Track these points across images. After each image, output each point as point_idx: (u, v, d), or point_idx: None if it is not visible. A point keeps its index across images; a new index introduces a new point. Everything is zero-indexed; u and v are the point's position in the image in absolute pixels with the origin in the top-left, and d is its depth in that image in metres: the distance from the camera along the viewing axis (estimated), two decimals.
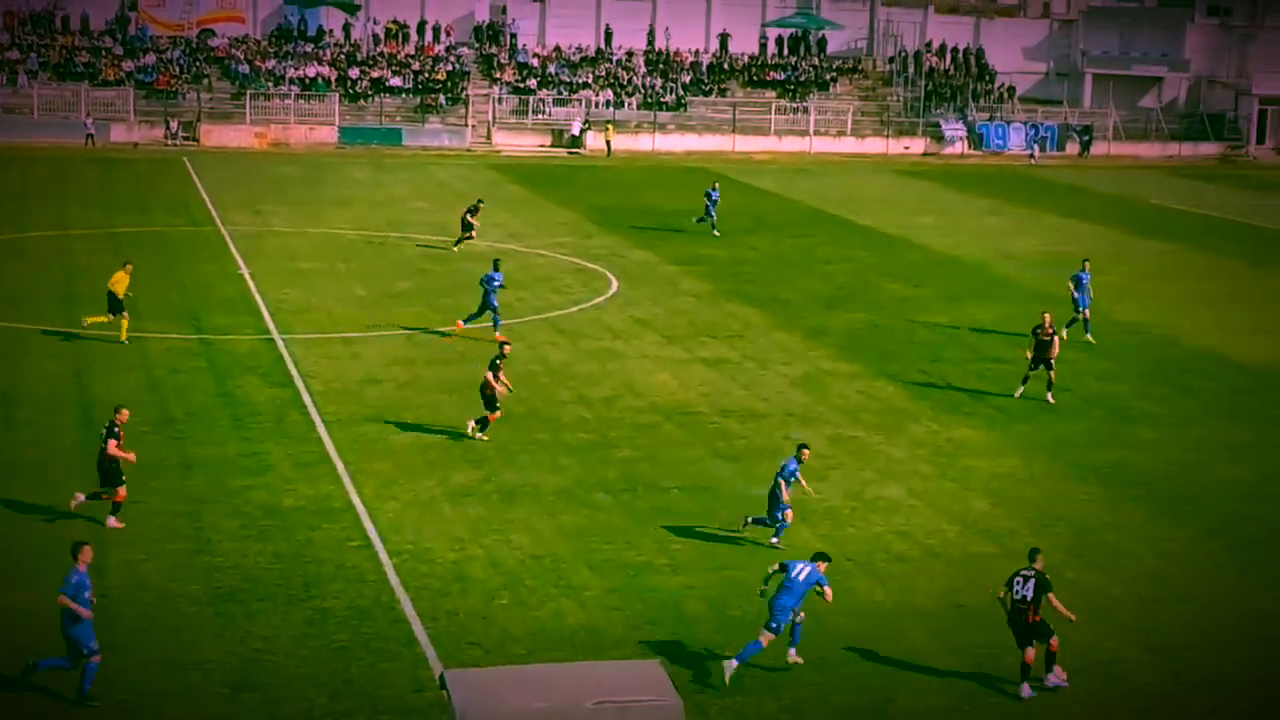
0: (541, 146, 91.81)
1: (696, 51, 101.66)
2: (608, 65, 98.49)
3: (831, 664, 22.23)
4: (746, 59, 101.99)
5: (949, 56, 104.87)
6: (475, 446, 31.67)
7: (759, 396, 36.76)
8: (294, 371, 37.19)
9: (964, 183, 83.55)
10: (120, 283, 38.87)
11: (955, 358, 41.42)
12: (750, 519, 27.14)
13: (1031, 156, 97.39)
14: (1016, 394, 36.69)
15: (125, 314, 38.84)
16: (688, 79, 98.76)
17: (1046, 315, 37.11)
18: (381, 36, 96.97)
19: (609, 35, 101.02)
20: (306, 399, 34.85)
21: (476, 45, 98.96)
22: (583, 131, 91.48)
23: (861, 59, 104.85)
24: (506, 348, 33.81)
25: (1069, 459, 32.62)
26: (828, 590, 22.22)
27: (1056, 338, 36.90)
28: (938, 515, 28.75)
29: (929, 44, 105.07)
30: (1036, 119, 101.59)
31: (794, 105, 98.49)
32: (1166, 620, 24.23)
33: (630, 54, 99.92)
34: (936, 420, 35.20)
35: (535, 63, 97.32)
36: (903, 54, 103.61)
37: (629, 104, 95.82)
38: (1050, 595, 21.54)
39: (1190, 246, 62.90)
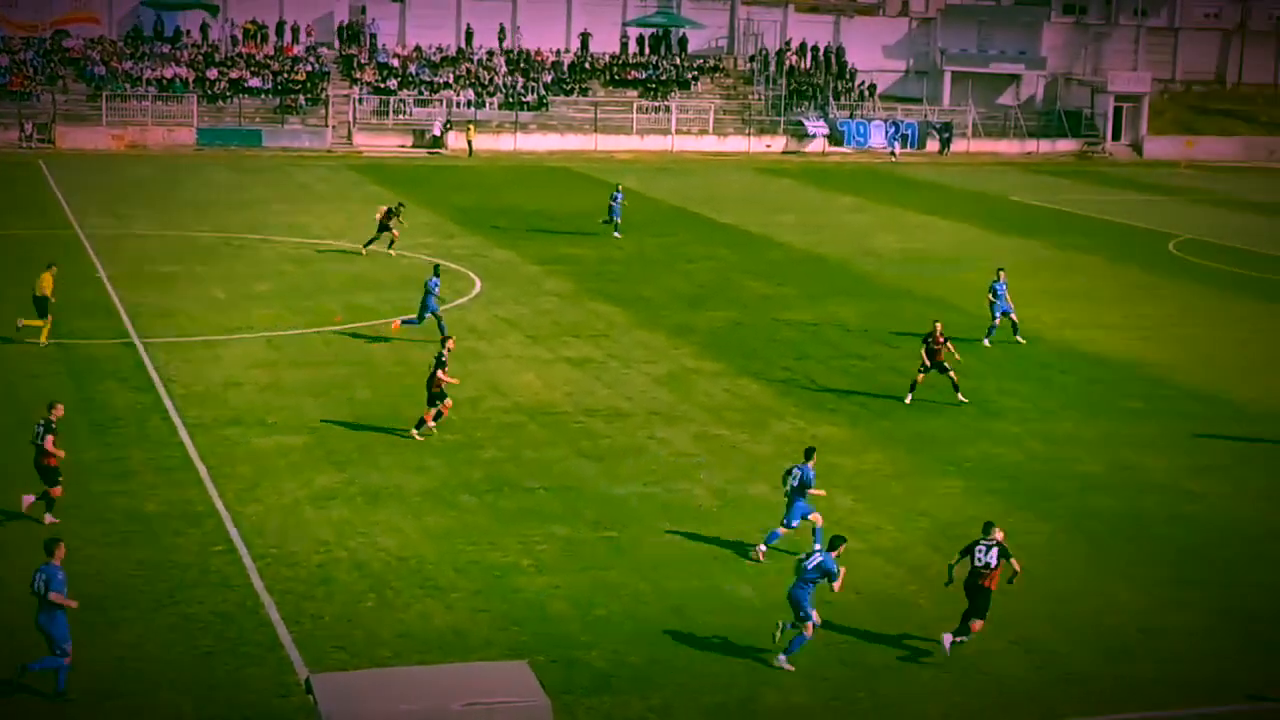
0: (402, 147, 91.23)
1: (558, 51, 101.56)
2: (468, 65, 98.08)
3: (699, 662, 22.22)
4: (608, 58, 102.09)
5: (809, 55, 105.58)
6: (337, 448, 31.34)
7: (623, 395, 36.72)
8: (154, 375, 36.64)
9: (825, 181, 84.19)
10: (46, 284, 39.11)
11: (818, 355, 41.66)
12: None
13: (892, 154, 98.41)
14: (907, 400, 36.78)
15: (49, 317, 39.01)
16: (549, 78, 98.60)
17: (937, 324, 37.29)
18: (240, 37, 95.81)
19: (469, 35, 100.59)
20: (167, 403, 34.33)
21: (336, 46, 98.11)
22: (444, 132, 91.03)
23: (722, 58, 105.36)
24: (450, 343, 33.86)
25: (931, 454, 32.91)
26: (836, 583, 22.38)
27: (946, 345, 36.94)
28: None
29: (789, 43, 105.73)
30: (897, 116, 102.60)
31: (656, 104, 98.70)
32: (1028, 611, 24.47)
33: (491, 54, 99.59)
34: (801, 417, 35.37)
35: (395, 63, 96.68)
36: (763, 53, 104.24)
37: (490, 104, 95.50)
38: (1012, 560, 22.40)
39: (1049, 243, 63.79)
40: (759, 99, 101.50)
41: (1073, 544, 27.82)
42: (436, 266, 43.35)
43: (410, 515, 27.77)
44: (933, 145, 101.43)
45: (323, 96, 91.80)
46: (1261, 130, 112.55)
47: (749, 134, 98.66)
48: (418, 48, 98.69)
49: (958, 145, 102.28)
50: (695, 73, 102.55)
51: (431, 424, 32.61)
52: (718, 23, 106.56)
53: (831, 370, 39.93)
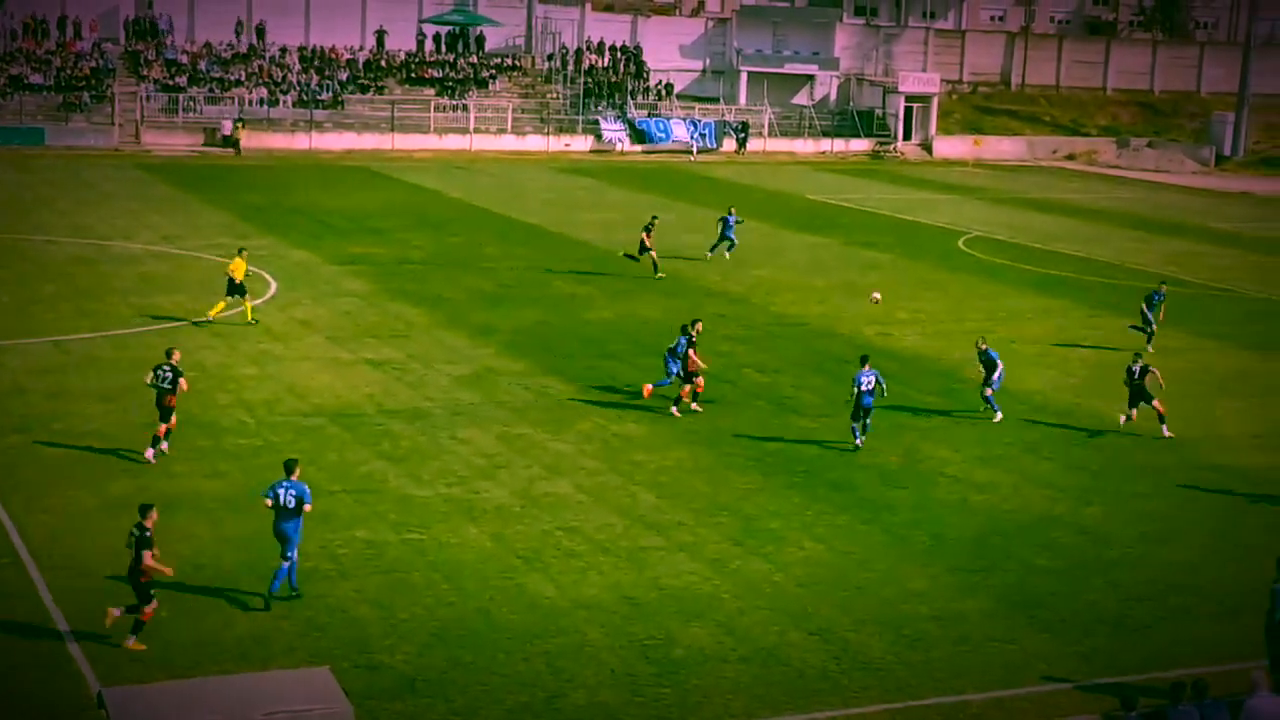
0: (193, 146, 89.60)
1: (353, 49, 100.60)
2: (261, 63, 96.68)
3: (502, 663, 22.15)
4: (404, 56, 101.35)
5: (607, 54, 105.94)
6: (128, 456, 30.67)
7: (424, 396, 36.49)
8: None
9: (626, 179, 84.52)
10: (239, 269, 42.67)
11: (621, 353, 41.80)
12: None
13: (691, 153, 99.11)
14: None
15: (247, 295, 42.92)
16: (344, 76, 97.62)
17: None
18: (19, 32, 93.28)
19: (261, 32, 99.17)
20: None
21: (122, 41, 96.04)
22: (236, 130, 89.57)
23: (520, 57, 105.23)
24: (699, 325, 36.56)
25: (732, 449, 33.20)
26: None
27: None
28: (606, 510, 28.94)
29: (588, 41, 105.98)
30: (695, 116, 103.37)
31: (453, 103, 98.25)
32: (826, 603, 24.82)
33: (284, 50, 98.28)
34: (603, 415, 35.45)
35: (185, 60, 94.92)
36: (562, 51, 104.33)
37: (284, 101, 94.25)
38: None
39: (843, 240, 64.76)
40: (558, 98, 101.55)
41: (870, 534, 28.26)
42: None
43: (207, 522, 27.27)
44: (730, 144, 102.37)
45: (109, 94, 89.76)
46: (1045, 130, 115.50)
47: (548, 133, 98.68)
48: (208, 44, 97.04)
49: (754, 144, 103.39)
50: (493, 71, 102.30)
51: (692, 404, 35.54)
52: (515, 21, 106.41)
53: (634, 368, 40.07)
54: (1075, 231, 71.23)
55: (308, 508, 24.06)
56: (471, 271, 53.17)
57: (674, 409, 35.63)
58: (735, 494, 30.20)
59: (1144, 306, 44.94)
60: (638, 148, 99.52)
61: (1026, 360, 42.43)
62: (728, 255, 57.08)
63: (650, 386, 36.60)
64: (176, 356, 30.79)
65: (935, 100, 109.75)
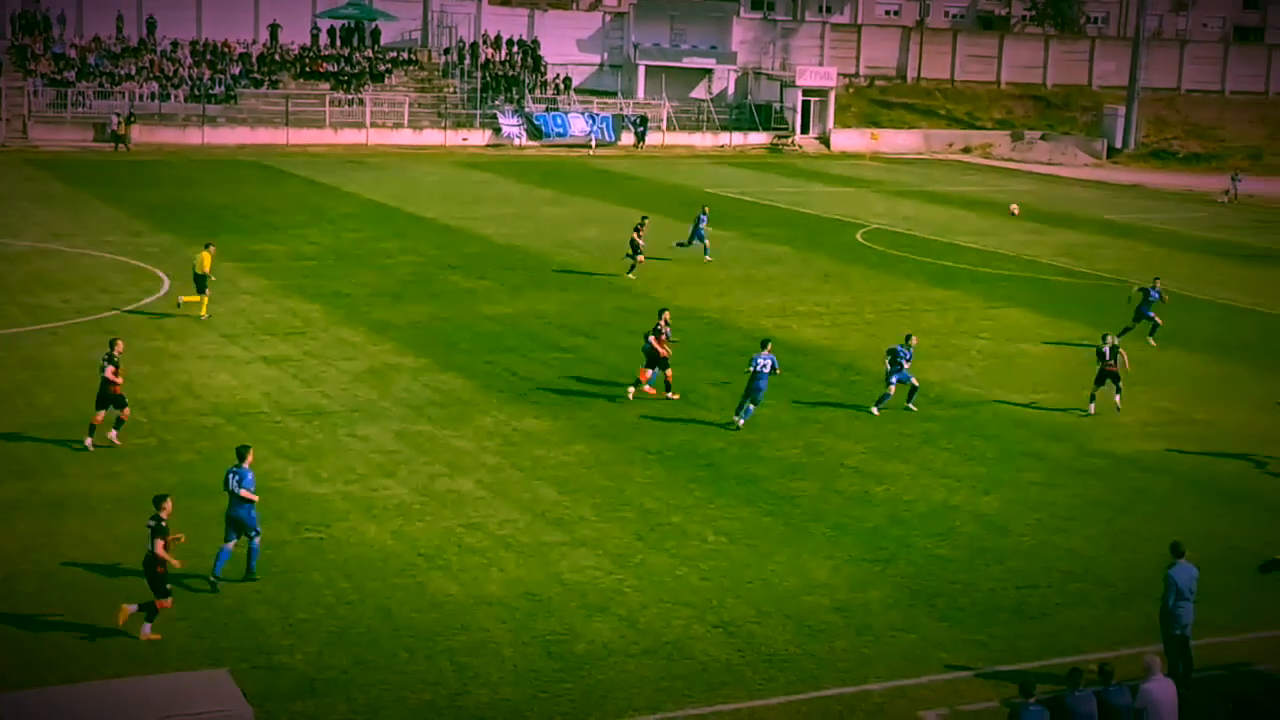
0: (83, 141, 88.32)
1: (246, 42, 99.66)
2: (151, 57, 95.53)
3: (404, 662, 22.00)
4: (298, 50, 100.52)
5: (504, 48, 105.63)
6: (18, 457, 30.21)
7: (322, 393, 36.19)
8: None
9: (523, 174, 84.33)
10: (205, 262, 43.22)
11: (520, 348, 41.66)
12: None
13: (589, 147, 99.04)
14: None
15: (208, 292, 43.33)
16: (237, 70, 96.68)
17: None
18: None
19: (151, 25, 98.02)
20: None
21: (8, 35, 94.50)
22: (127, 125, 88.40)
23: (417, 50, 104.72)
24: (666, 314, 37.62)
25: (634, 443, 33.18)
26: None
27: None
28: (508, 505, 28.83)
29: (485, 35, 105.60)
30: (593, 110, 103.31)
31: (349, 97, 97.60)
32: (730, 596, 24.86)
33: (175, 44, 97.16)
34: (503, 410, 35.33)
35: (73, 54, 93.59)
36: (459, 45, 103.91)
37: (176, 96, 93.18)
38: None
39: (742, 233, 64.94)
40: (455, 92, 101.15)
41: (772, 527, 28.34)
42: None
43: (100, 524, 26.87)
44: (628, 138, 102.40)
45: None
46: (941, 123, 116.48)
47: (445, 127, 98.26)
48: (96, 38, 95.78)
49: (653, 138, 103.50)
50: (389, 65, 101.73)
51: (667, 393, 36.44)
52: (411, 15, 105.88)
53: (533, 362, 39.97)
54: (971, 224, 71.85)
55: (243, 493, 24.50)
56: (369, 267, 52.82)
57: (630, 390, 36.48)
58: (637, 488, 30.18)
59: (1139, 305, 44.92)
60: (535, 142, 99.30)
61: (924, 352, 42.67)
62: (707, 257, 56.46)
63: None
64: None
65: (832, 94, 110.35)
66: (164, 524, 22.50)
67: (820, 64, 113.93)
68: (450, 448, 32.39)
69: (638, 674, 21.91)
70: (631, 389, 36.66)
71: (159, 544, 22.31)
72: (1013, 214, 42.15)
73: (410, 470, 30.72)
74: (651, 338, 36.56)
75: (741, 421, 34.31)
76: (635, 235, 52.63)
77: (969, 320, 47.78)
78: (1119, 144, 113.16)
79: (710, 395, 37.44)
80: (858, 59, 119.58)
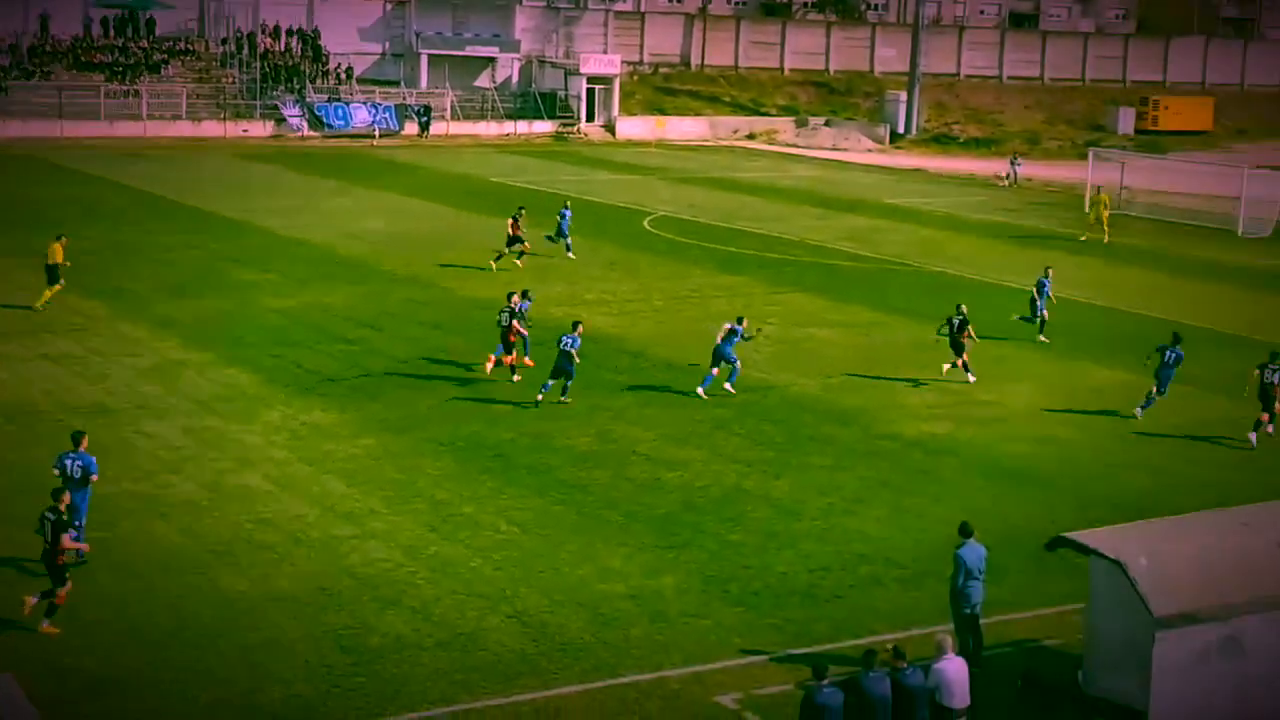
0: None
1: (16, 33, 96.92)
2: None
3: (197, 660, 21.62)
4: (70, 41, 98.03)
5: (283, 38, 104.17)
6: None
7: (106, 391, 35.40)
8: None
9: (306, 165, 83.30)
10: (57, 253, 43.33)
11: (306, 340, 41.18)
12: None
13: (373, 137, 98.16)
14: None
15: (60, 283, 43.31)
16: (7, 62, 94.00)
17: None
18: None
19: None
20: None
21: None
22: None
23: (194, 40, 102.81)
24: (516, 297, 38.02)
25: (424, 435, 32.98)
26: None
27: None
28: (297, 500, 28.49)
29: (263, 25, 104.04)
30: (375, 99, 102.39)
31: (125, 88, 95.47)
32: (523, 586, 24.83)
33: None
34: (290, 404, 34.89)
35: None
36: (237, 35, 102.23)
37: None
38: None
39: (530, 222, 64.74)
40: (234, 83, 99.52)
41: (565, 516, 28.37)
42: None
43: None
44: (412, 128, 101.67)
45: None
46: (725, 110, 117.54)
47: (225, 119, 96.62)
48: None
49: (437, 128, 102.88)
50: (165, 56, 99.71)
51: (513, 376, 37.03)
52: (187, 4, 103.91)
53: (319, 355, 39.54)
54: (757, 210, 72.64)
55: (94, 478, 24.96)
56: (150, 262, 51.76)
57: (515, 377, 37.07)
58: (429, 480, 30.01)
59: (1034, 293, 45.12)
60: (318, 133, 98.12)
61: (714, 337, 43.08)
62: (570, 254, 55.88)
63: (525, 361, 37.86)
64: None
65: (617, 81, 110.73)
66: (64, 517, 22.68)
67: (604, 51, 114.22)
68: (238, 443, 31.90)
69: (432, 666, 21.79)
70: (517, 376, 37.23)
71: (65, 538, 22.50)
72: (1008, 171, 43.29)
73: (198, 466, 30.19)
74: (515, 321, 37.17)
75: (541, 396, 35.17)
76: (512, 227, 52.70)
77: (756, 305, 48.25)
78: (901, 129, 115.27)
79: (500, 386, 37.34)
80: (641, 46, 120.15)
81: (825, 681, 18.63)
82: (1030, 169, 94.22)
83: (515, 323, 37.25)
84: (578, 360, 35.47)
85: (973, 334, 39.13)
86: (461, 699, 20.89)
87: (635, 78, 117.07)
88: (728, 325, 37.36)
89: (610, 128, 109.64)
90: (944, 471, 32.15)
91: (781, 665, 22.30)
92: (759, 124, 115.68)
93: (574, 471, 31.00)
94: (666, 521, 28.32)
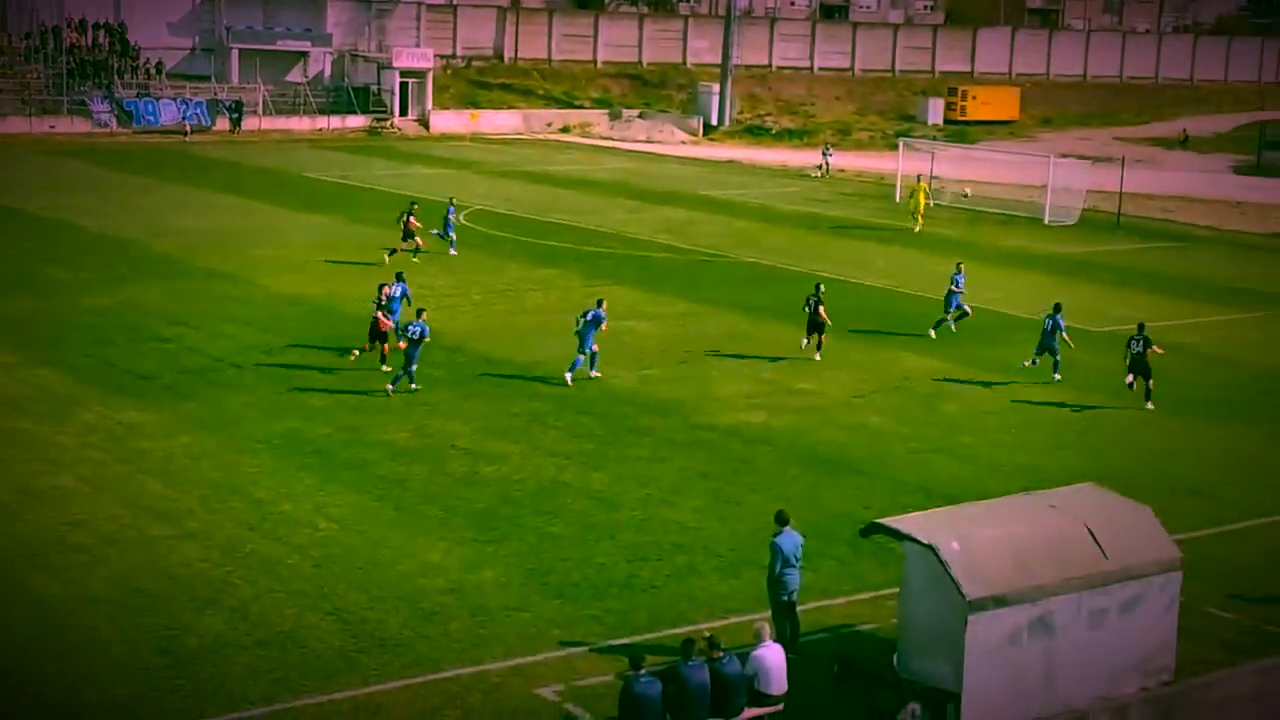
0: None
1: None
2: None
3: (6, 664, 21.23)
4: None
5: (90, 32, 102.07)
6: None
7: None
8: None
9: (117, 161, 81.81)
10: None
11: (120, 339, 40.52)
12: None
13: (184, 133, 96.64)
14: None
15: None
16: None
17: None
18: None
19: None
20: None
21: None
22: None
23: None
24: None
25: (241, 433, 32.64)
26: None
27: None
28: (112, 501, 28.05)
29: (68, 19, 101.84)
30: (186, 95, 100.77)
31: None
32: (342, 583, 24.72)
33: None
34: (105, 404, 34.32)
35: None
36: (41, 28, 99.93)
37: None
38: None
39: (344, 218, 64.34)
40: (39, 78, 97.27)
41: (383, 511, 28.27)
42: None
43: None
44: (224, 123, 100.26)
45: None
46: (540, 103, 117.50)
47: (31, 115, 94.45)
48: None
49: (250, 123, 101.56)
50: None
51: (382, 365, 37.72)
52: None
53: (134, 354, 38.93)
54: (573, 203, 72.78)
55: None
56: None
57: (384, 366, 37.85)
58: (245, 478, 29.72)
59: (950, 289, 45.50)
60: (128, 129, 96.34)
61: (530, 331, 43.20)
62: (452, 251, 55.79)
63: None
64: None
65: (430, 75, 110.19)
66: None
67: (417, 45, 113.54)
68: (51, 444, 31.33)
69: (251, 666, 21.61)
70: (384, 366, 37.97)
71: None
72: (965, 195, 44.63)
73: (9, 469, 29.59)
74: (379, 313, 38.12)
75: (391, 388, 35.96)
76: (408, 220, 53.24)
77: (573, 298, 48.37)
78: (715, 121, 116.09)
79: (316, 382, 37.07)
80: (455, 40, 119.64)
81: (642, 671, 18.82)
82: (842, 160, 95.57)
83: (380, 314, 38.12)
84: (427, 340, 36.19)
85: (825, 316, 40.81)
86: (281, 698, 20.75)
87: (449, 71, 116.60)
88: (590, 312, 37.79)
89: (424, 122, 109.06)
90: (760, 461, 32.55)
91: (601, 656, 22.46)
92: (573, 117, 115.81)
93: (392, 466, 30.90)
94: (485, 515, 28.35)
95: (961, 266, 46.40)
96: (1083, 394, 39.02)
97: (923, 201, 67.89)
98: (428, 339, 36.23)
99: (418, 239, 53.46)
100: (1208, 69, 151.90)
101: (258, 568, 25.12)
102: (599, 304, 38.19)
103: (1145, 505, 23.43)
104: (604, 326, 38.00)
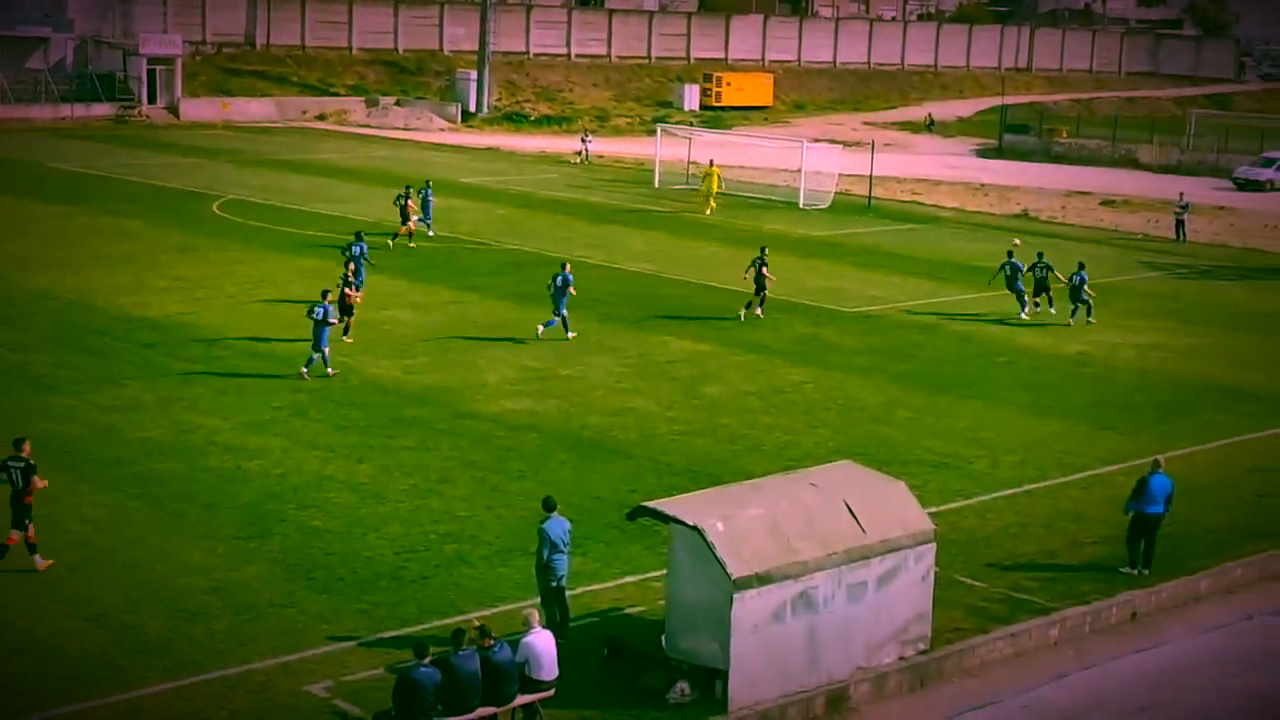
0: None
1: None
2: None
3: None
4: None
5: None
6: None
7: None
8: None
9: None
10: None
11: None
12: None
13: None
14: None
15: None
16: None
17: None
18: None
19: None
20: None
21: None
22: None
23: None
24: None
25: None
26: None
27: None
28: None
29: None
30: None
31: None
32: (101, 586, 24.09)
33: None
34: None
35: None
36: None
37: None
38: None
39: (92, 209, 62.72)
40: None
41: (140, 511, 27.64)
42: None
43: None
44: None
45: None
46: (294, 91, 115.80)
47: None
48: None
49: None
50: None
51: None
52: None
53: None
54: (332, 191, 71.87)
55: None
56: None
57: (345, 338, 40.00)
58: None
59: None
60: None
61: (291, 322, 42.56)
62: (430, 233, 58.57)
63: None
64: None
65: (179, 62, 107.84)
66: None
67: (164, 31, 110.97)
68: None
69: (8, 675, 20.96)
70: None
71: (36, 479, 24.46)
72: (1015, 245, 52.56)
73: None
74: (347, 289, 40.45)
75: (306, 371, 36.92)
76: (406, 203, 56.37)
77: (333, 289, 47.78)
78: (473, 108, 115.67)
79: (66, 379, 36.09)
80: (204, 26, 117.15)
81: (426, 660, 18.74)
82: (601, 146, 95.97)
83: (348, 290, 40.52)
84: (334, 322, 37.52)
85: (769, 275, 45.38)
86: (42, 708, 20.12)
87: (198, 58, 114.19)
88: (558, 276, 41.51)
89: (174, 109, 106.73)
90: (527, 447, 32.54)
91: (371, 650, 22.24)
92: (329, 104, 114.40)
93: (148, 464, 30.20)
94: (248, 511, 27.86)
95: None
96: (830, 373, 39.80)
97: (715, 186, 69.00)
98: (333, 321, 37.16)
99: (412, 222, 56.10)
100: (951, 56, 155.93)
101: (10, 575, 24.33)
102: (563, 266, 41.93)
103: (899, 480, 24.05)
104: (571, 290, 41.11)
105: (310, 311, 36.62)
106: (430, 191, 59.69)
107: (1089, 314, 46.94)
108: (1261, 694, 22.84)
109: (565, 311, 41.38)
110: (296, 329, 41.39)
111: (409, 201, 56.31)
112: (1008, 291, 47.95)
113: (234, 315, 43.51)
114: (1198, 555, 27.56)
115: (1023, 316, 46.99)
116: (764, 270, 45.18)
